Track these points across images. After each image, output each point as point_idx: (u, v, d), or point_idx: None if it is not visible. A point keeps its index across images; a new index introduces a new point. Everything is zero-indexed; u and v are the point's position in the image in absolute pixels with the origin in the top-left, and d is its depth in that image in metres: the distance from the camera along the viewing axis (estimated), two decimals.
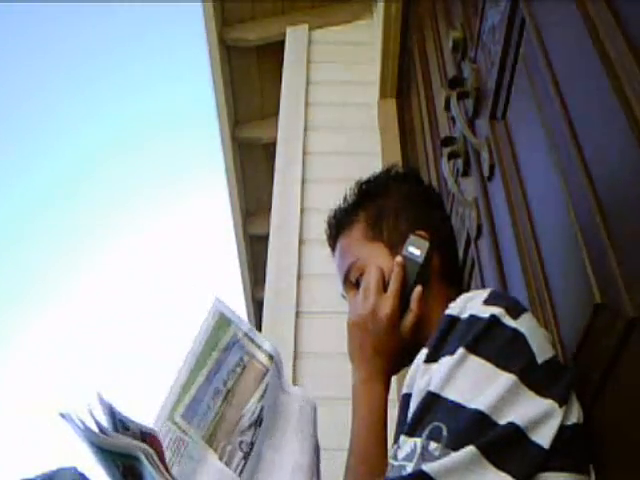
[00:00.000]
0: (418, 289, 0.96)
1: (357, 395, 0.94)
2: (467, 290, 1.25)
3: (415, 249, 0.98)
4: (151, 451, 0.71)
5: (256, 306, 3.91)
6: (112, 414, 0.75)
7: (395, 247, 1.00)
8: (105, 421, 0.74)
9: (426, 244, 0.99)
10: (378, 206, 1.06)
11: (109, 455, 0.71)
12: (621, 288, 0.67)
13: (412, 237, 1.00)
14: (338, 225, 1.09)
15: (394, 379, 0.98)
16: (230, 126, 3.30)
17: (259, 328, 2.78)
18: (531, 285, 0.95)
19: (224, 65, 3.14)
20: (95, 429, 0.71)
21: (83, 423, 0.71)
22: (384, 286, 0.97)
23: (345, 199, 1.10)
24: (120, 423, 0.74)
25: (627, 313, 0.65)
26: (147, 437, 0.74)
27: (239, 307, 4.07)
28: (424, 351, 0.78)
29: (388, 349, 0.95)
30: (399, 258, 0.98)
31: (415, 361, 0.80)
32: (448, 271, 1.03)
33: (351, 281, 1.03)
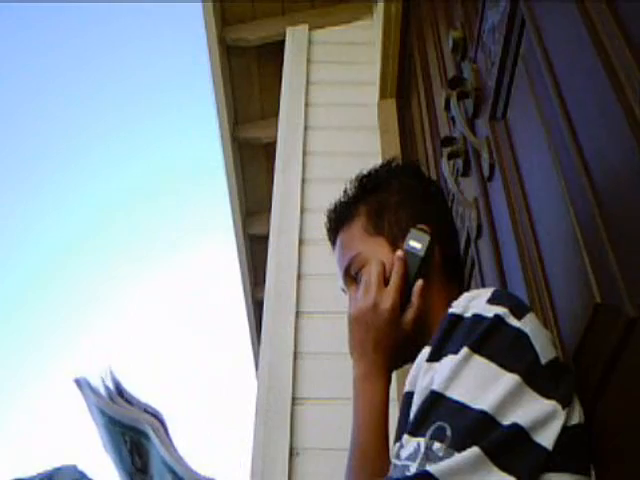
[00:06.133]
0: (419, 283, 0.96)
1: (358, 390, 0.94)
2: (467, 289, 1.25)
3: (416, 243, 0.98)
4: (158, 424, 0.72)
5: (256, 306, 3.91)
6: (119, 391, 0.76)
7: (396, 241, 1.00)
8: (114, 395, 0.76)
9: (427, 238, 0.98)
10: (379, 200, 1.05)
11: (118, 428, 0.72)
12: (621, 288, 0.67)
13: (413, 231, 0.99)
14: (338, 219, 1.08)
15: (395, 379, 0.98)
16: (230, 126, 3.29)
17: (259, 328, 2.78)
18: (531, 285, 0.94)
19: (224, 65, 3.14)
20: (107, 398, 0.74)
21: (96, 390, 0.72)
22: (385, 280, 0.97)
23: (345, 193, 1.09)
24: (126, 401, 0.76)
25: (627, 313, 0.65)
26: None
27: (239, 307, 4.08)
28: (427, 349, 0.78)
29: (389, 344, 0.94)
30: (400, 252, 0.97)
31: (417, 359, 0.80)
32: (449, 265, 1.02)
33: (351, 275, 1.02)
